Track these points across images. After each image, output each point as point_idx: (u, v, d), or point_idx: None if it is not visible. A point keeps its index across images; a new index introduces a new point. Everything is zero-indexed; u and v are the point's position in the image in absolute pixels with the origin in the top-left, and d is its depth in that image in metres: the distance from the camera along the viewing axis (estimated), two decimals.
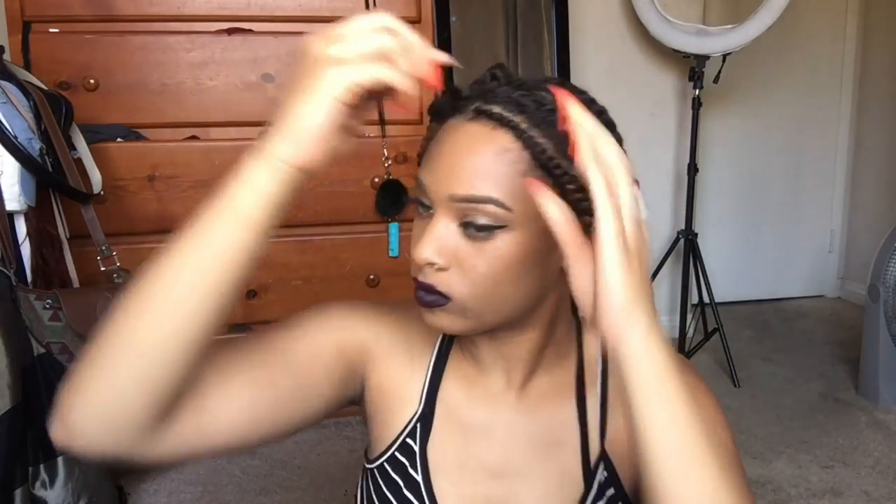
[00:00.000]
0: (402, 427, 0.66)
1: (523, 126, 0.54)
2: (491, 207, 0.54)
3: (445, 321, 0.58)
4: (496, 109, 0.55)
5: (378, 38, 0.47)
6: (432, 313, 0.58)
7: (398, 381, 0.66)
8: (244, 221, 0.48)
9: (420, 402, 0.66)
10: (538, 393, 0.65)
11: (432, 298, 0.57)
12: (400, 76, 0.47)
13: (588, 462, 0.64)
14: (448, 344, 0.68)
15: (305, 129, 0.47)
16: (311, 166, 0.49)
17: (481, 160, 0.54)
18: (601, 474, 0.64)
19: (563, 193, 0.54)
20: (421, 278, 0.57)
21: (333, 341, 0.63)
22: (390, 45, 0.47)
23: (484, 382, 0.66)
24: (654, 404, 0.48)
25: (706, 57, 2.44)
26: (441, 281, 0.56)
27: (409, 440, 0.65)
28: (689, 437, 0.48)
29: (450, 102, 0.58)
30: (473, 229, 0.55)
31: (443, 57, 0.48)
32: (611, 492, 0.64)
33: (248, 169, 0.48)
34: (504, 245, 0.55)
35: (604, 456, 0.64)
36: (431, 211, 0.57)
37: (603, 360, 0.67)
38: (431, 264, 0.56)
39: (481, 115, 0.56)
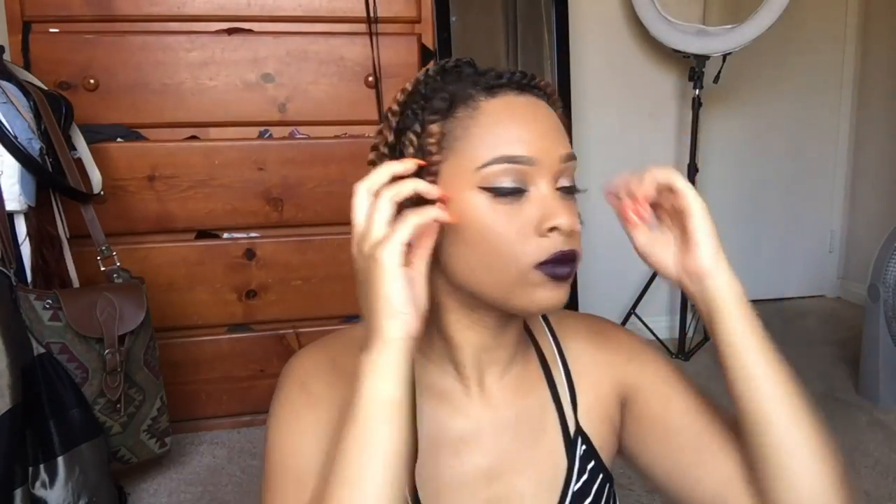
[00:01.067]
0: None
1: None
2: (575, 163, 0.60)
3: (566, 292, 0.58)
4: (532, 84, 0.60)
5: (378, 200, 0.54)
6: (561, 288, 0.57)
7: None
8: (393, 408, 0.52)
9: None
10: (515, 383, 0.67)
11: (574, 265, 0.57)
12: (409, 185, 0.54)
13: (568, 439, 0.67)
14: None
15: (396, 303, 0.52)
16: (417, 331, 0.54)
17: (559, 123, 0.60)
18: (580, 449, 0.67)
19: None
20: (568, 247, 0.57)
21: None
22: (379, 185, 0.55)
23: (461, 390, 0.65)
24: (753, 332, 0.59)
25: (706, 57, 2.44)
26: (577, 244, 0.58)
27: None
28: (786, 373, 0.59)
29: (485, 85, 0.59)
30: (566, 188, 0.59)
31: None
32: (591, 464, 0.67)
33: (375, 360, 0.52)
34: (575, 202, 0.60)
35: (579, 430, 0.67)
36: (521, 193, 0.56)
37: (556, 342, 0.70)
38: (575, 229, 0.57)
39: (525, 90, 0.59)
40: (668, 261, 0.61)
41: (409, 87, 0.61)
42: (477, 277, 0.58)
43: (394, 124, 0.60)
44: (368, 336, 0.53)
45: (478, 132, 0.57)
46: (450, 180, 0.57)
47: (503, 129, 0.56)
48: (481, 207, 0.56)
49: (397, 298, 0.51)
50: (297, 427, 0.61)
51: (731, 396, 0.59)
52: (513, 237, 0.55)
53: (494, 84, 0.58)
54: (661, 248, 0.62)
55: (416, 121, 0.59)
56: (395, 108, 0.61)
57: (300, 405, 0.62)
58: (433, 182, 0.58)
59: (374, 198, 0.54)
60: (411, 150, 0.59)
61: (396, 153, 0.60)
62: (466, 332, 0.62)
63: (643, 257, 0.62)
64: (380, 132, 0.62)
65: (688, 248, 0.59)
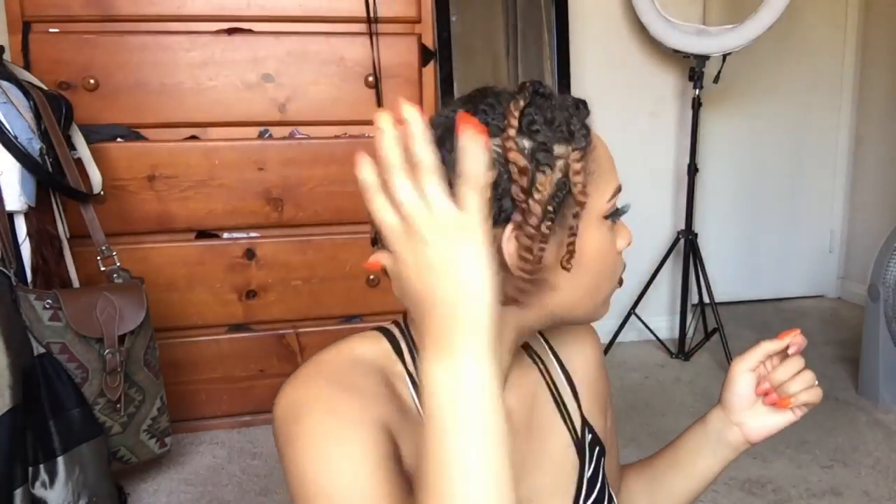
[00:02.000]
0: None
1: None
2: None
3: None
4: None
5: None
6: None
7: (408, 448, 0.57)
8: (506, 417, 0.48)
9: None
10: (517, 386, 0.67)
11: None
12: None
13: (575, 431, 0.68)
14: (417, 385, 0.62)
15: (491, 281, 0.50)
16: None
17: None
18: (588, 437, 0.69)
19: None
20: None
21: (384, 457, 0.52)
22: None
23: None
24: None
25: (706, 57, 2.44)
26: None
27: None
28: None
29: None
30: None
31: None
32: (597, 449, 0.70)
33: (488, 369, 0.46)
34: None
35: (585, 421, 0.70)
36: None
37: (543, 337, 0.71)
38: None
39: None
40: (748, 399, 0.74)
41: (513, 121, 0.52)
42: (580, 301, 0.58)
43: (526, 166, 0.52)
44: (443, 336, 0.43)
45: (602, 164, 0.57)
46: (586, 215, 0.55)
47: (608, 160, 0.59)
48: (606, 236, 0.58)
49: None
50: (340, 452, 0.50)
51: (667, 468, 0.77)
52: (615, 259, 0.59)
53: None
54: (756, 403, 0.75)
55: (553, 157, 0.53)
56: (525, 142, 0.53)
57: (335, 428, 0.51)
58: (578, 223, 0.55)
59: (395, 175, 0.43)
60: (549, 188, 0.53)
61: (531, 185, 0.52)
62: (507, 354, 0.62)
63: (737, 393, 0.73)
64: (487, 161, 0.49)
65: (765, 422, 0.75)
